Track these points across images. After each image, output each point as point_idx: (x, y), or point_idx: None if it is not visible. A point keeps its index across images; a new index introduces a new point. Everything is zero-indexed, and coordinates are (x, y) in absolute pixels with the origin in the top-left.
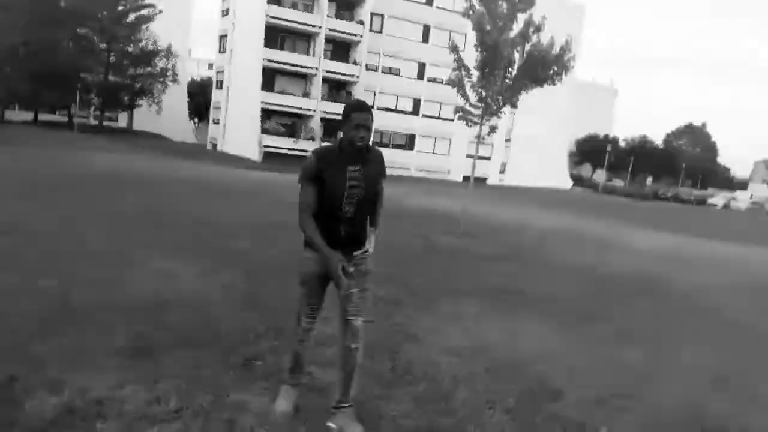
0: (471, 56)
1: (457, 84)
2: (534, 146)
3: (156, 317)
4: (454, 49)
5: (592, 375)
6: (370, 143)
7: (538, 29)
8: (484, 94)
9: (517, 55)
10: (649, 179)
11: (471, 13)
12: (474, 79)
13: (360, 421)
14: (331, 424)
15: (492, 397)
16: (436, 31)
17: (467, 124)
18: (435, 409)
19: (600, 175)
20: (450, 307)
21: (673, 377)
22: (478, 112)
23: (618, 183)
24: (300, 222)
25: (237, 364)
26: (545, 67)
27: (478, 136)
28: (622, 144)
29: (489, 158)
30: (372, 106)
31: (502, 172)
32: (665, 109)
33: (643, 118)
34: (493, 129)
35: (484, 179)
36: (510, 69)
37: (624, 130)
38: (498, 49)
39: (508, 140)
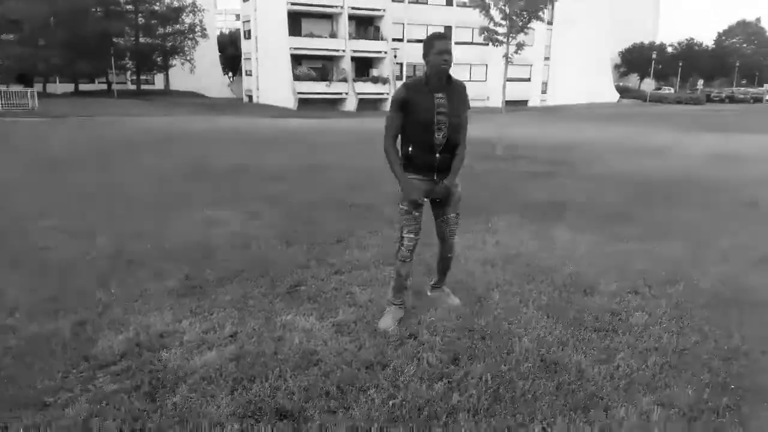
0: None
1: (480, 4)
2: (575, 62)
3: (202, 260)
4: None
5: (626, 270)
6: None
7: None
8: (507, 11)
9: None
10: (701, 82)
11: None
12: None
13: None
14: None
15: (526, 297)
16: None
17: (494, 44)
18: (471, 311)
19: (648, 84)
20: (484, 224)
21: (710, 263)
22: (503, 30)
23: (667, 90)
24: (384, 145)
25: (283, 291)
26: None
27: (506, 56)
28: (669, 50)
29: (528, 79)
30: (401, 39)
31: (543, 92)
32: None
33: (691, 22)
34: (520, 47)
35: (525, 101)
36: None
37: (671, 35)
38: None
39: (547, 59)
